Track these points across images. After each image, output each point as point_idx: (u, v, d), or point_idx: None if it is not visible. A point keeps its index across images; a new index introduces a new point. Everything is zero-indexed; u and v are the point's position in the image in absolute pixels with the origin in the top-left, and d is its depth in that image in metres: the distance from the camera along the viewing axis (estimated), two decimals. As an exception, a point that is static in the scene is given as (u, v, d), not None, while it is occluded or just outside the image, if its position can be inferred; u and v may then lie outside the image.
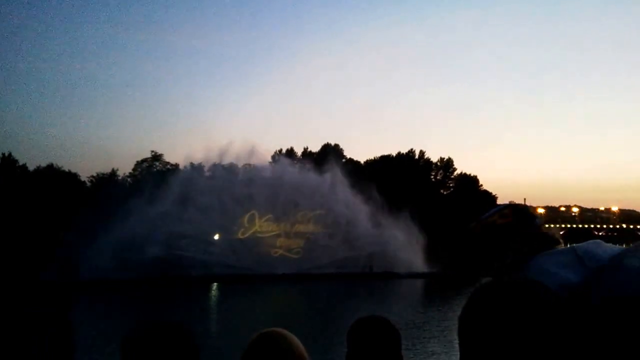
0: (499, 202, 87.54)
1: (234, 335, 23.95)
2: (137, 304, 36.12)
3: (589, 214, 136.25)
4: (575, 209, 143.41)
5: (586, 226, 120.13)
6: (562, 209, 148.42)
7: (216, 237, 56.56)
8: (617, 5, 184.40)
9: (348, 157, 75.42)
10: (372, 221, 56.00)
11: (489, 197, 79.33)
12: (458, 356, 1.12)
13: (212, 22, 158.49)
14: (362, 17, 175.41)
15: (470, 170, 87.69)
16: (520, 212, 1.87)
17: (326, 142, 76.78)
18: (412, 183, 66.70)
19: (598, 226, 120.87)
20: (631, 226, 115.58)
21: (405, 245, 54.90)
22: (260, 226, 58.18)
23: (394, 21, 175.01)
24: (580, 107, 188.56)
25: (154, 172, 63.18)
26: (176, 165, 64.76)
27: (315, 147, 76.34)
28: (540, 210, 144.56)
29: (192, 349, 1.69)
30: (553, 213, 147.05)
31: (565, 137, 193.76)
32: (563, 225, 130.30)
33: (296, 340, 1.90)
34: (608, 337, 1.31)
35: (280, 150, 70.88)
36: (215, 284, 48.27)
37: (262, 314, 31.03)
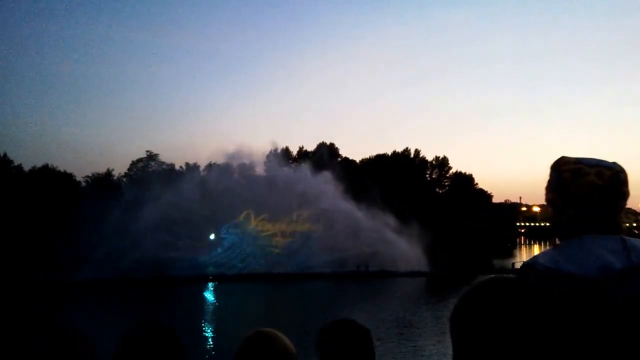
0: (494, 201, 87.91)
1: (230, 334, 24.04)
2: (133, 303, 36.18)
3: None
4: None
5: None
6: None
7: (212, 236, 56.62)
8: (616, 9, 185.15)
9: (343, 156, 75.55)
10: (368, 220, 56.08)
11: (484, 196, 79.66)
12: (452, 355, 1.19)
13: (208, 22, 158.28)
14: (357, 17, 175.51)
15: (465, 169, 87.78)
16: (618, 182, 1.68)
17: (321, 142, 76.83)
18: (408, 182, 66.86)
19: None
20: (627, 225, 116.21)
21: (401, 244, 55.00)
22: (256, 225, 58.23)
23: (389, 20, 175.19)
24: (576, 106, 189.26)
25: (149, 172, 63.17)
26: (172, 165, 64.85)
27: (310, 147, 76.40)
28: (536, 209, 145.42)
29: (179, 354, 1.76)
30: (548, 212, 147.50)
31: (560, 135, 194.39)
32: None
33: (286, 340, 1.95)
34: (625, 332, 1.35)
35: (276, 150, 70.88)
36: (211, 283, 48.35)
37: (257, 314, 31.13)
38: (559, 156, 1.75)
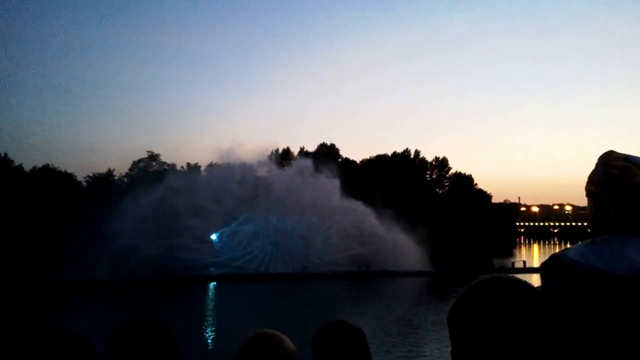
0: (494, 201, 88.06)
1: (230, 335, 24.12)
2: (134, 303, 36.26)
3: (582, 212, 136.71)
4: (568, 208, 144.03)
5: (580, 224, 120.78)
6: (556, 207, 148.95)
7: (213, 236, 56.67)
8: (613, 10, 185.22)
9: (344, 156, 75.75)
10: (370, 220, 56.16)
11: (484, 196, 79.87)
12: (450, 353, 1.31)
13: (210, 23, 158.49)
14: (359, 19, 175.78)
15: (465, 170, 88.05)
16: None
17: (322, 142, 77.10)
18: (408, 182, 67.02)
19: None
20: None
21: (402, 244, 55.09)
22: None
23: (390, 22, 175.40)
24: (574, 106, 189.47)
25: (150, 172, 63.27)
26: (173, 165, 64.91)
27: (311, 147, 76.58)
28: (535, 209, 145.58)
29: (171, 348, 1.77)
30: (547, 211, 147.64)
31: (559, 136, 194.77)
32: (557, 224, 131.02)
33: (288, 341, 1.95)
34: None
35: (277, 150, 71.06)
36: (212, 283, 48.46)
37: (258, 314, 31.21)
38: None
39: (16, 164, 60.52)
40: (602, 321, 1.36)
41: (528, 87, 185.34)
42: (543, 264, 1.55)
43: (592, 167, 1.68)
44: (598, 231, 1.59)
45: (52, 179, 57.53)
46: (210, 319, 34.53)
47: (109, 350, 1.73)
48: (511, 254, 75.51)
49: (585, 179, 1.70)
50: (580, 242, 1.62)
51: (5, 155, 60.00)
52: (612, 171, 1.59)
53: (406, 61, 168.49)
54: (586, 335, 1.36)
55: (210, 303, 42.03)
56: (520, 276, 1.26)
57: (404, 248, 54.78)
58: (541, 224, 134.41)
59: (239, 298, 40.91)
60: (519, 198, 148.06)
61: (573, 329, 1.33)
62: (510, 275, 1.24)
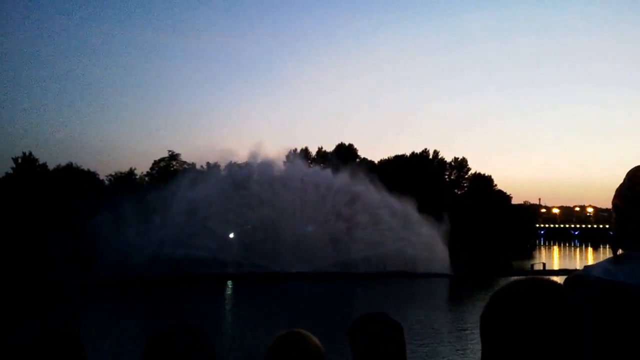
0: (513, 202, 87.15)
1: (249, 334, 24.33)
2: (154, 302, 36.69)
3: (604, 214, 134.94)
4: (590, 210, 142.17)
5: (601, 227, 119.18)
6: (577, 209, 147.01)
7: (231, 235, 57.00)
8: (628, 14, 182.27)
9: (362, 156, 75.67)
10: (389, 220, 56.01)
11: (504, 197, 79.13)
12: (470, 357, 1.41)
13: (229, 24, 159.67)
14: (379, 20, 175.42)
15: (484, 170, 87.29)
16: None
17: (341, 142, 77.16)
18: (427, 183, 66.73)
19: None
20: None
21: (420, 244, 54.84)
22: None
23: (409, 24, 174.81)
24: (594, 108, 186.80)
25: (170, 171, 63.98)
26: (193, 165, 65.51)
27: (329, 147, 76.71)
28: (555, 211, 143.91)
29: (209, 353, 1.78)
30: (567, 213, 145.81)
31: (579, 137, 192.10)
32: (578, 226, 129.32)
33: (317, 340, 1.97)
34: None
35: (295, 150, 71.36)
36: (230, 282, 48.73)
37: (276, 313, 31.37)
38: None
39: (40, 162, 61.62)
40: (628, 332, 1.37)
41: (549, 88, 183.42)
42: (566, 281, 1.54)
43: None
44: (621, 245, 1.58)
45: (76, 178, 58.44)
46: (226, 318, 34.60)
47: (148, 355, 1.71)
48: (531, 256, 74.79)
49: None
50: (603, 259, 1.61)
51: (30, 153, 61.12)
52: (637, 189, 1.57)
53: (425, 61, 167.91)
54: (610, 345, 1.37)
55: (227, 302, 42.25)
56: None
57: (422, 249, 54.48)
58: (562, 226, 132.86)
59: (255, 297, 40.95)
60: (540, 199, 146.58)
61: (599, 340, 1.34)
62: (544, 277, 1.23)
